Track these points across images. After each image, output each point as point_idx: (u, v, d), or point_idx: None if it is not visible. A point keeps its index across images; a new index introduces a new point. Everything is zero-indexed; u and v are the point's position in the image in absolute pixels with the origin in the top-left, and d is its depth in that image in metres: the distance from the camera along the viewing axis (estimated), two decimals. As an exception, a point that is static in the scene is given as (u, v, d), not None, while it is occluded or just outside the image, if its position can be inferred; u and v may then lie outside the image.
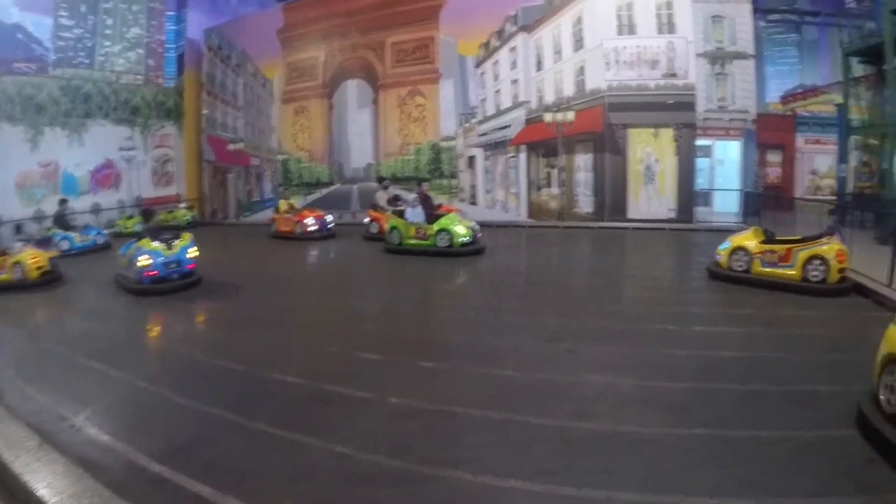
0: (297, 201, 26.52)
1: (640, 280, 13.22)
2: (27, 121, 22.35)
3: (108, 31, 25.14)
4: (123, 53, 25.97)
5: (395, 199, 19.43)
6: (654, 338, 8.32)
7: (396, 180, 24.91)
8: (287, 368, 7.20)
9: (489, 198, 23.38)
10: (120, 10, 26.05)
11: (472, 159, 23.75)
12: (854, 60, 21.09)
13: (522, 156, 22.48)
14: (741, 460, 4.84)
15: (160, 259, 12.41)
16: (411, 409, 6.04)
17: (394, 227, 16.95)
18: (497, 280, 13.19)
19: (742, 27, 20.73)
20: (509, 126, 22.53)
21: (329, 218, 21.11)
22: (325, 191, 26.78)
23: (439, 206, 18.16)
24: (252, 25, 28.10)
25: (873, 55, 19.59)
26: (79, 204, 22.74)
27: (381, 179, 19.46)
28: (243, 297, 12.30)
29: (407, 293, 12.65)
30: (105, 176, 25.19)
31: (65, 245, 17.84)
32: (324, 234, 20.45)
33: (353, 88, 26.50)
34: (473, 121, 23.56)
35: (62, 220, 18.61)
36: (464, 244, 15.73)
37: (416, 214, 16.48)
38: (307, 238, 20.03)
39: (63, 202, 19.48)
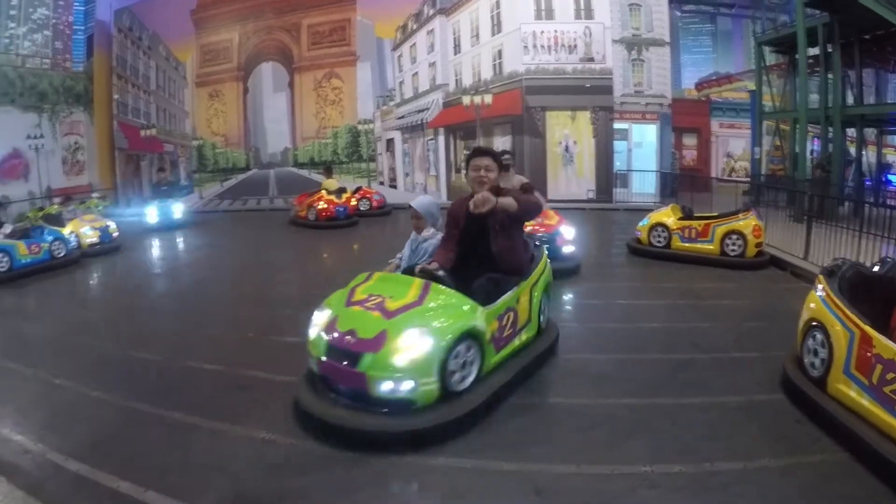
0: (212, 188, 26.20)
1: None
2: None
3: (12, 12, 24.00)
4: (29, 35, 24.86)
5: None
6: (580, 312, 8.33)
7: (314, 164, 24.77)
8: (204, 356, 6.93)
9: (409, 181, 23.27)
10: (25, -10, 25.06)
11: (390, 142, 23.64)
12: (766, 50, 21.64)
13: (441, 138, 22.48)
14: (674, 427, 4.82)
15: None
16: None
17: None
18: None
19: (658, 15, 21.14)
20: (427, 109, 22.49)
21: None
22: (241, 176, 26.23)
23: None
24: (164, 6, 26.96)
25: (785, 45, 20.23)
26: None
27: (503, 153, 12.77)
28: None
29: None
30: (12, 166, 23.90)
31: None
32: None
33: (268, 71, 25.98)
34: (391, 103, 23.45)
35: None
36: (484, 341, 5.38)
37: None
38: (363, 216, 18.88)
39: None
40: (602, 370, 6.15)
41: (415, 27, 22.96)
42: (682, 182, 21.41)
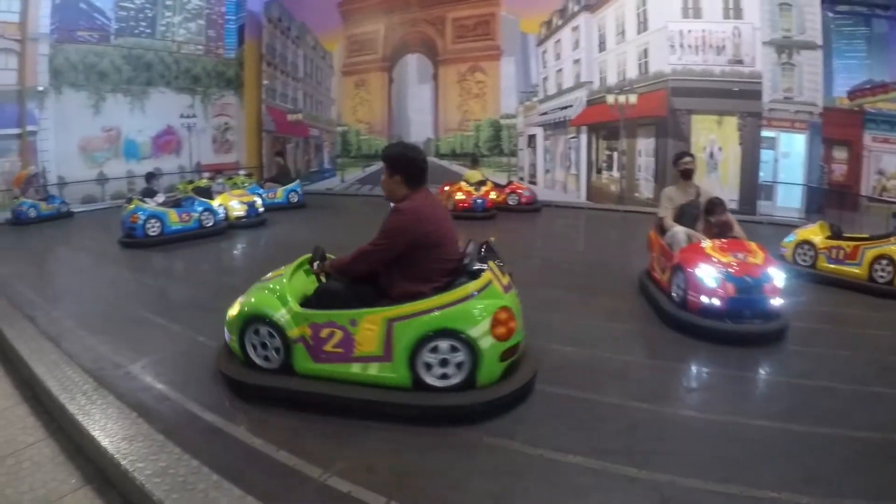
0: (353, 173, 26.90)
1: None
2: (90, 87, 23.09)
3: (168, 2, 25.40)
4: (184, 24, 26.29)
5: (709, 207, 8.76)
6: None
7: (456, 156, 25.12)
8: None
9: (549, 178, 23.14)
10: (180, -18, 26.33)
11: (532, 138, 23.52)
12: (927, 57, 20.58)
13: (583, 137, 22.15)
14: (806, 456, 4.71)
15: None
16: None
17: None
18: (554, 258, 13.08)
19: (810, 16, 20.12)
20: (570, 106, 22.24)
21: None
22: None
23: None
24: (312, -2, 28.27)
25: (947, 52, 19.12)
26: (140, 168, 23.12)
27: (682, 155, 9.77)
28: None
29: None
30: (166, 142, 25.82)
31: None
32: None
33: (413, 63, 26.42)
34: (534, 99, 23.32)
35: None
36: None
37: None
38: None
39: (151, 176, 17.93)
40: (737, 388, 6.09)
41: (560, 23, 22.79)
42: (830, 198, 20.46)
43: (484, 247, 5.89)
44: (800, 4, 19.94)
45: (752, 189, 19.79)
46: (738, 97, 19.68)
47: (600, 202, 21.55)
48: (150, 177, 16.62)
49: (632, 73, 21.01)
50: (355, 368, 5.39)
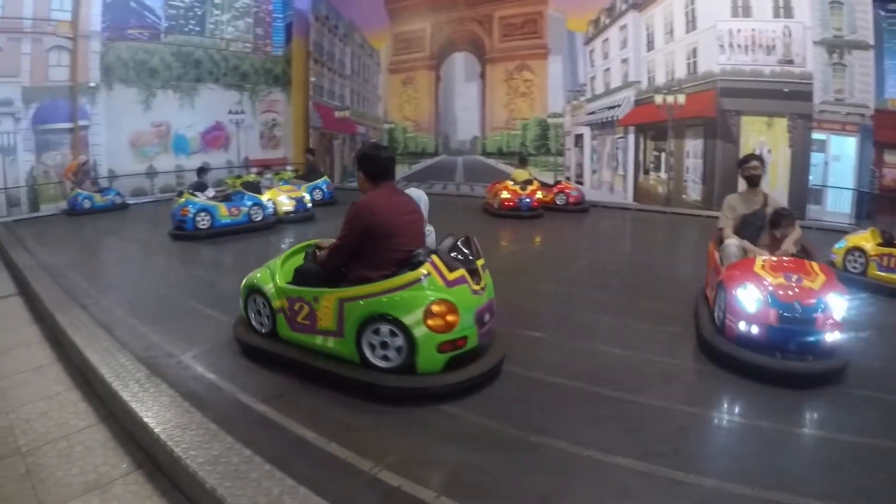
0: (401, 171, 26.95)
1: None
2: (140, 83, 23.65)
3: (217, 1, 25.87)
4: (232, 22, 26.78)
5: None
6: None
7: (502, 154, 25.09)
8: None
9: (595, 178, 22.93)
10: (228, -19, 26.73)
11: (579, 137, 23.32)
12: (982, 57, 20.10)
13: (631, 137, 21.92)
14: (854, 467, 4.63)
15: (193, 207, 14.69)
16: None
17: None
18: (601, 259, 13.01)
19: (861, 15, 19.50)
20: (618, 106, 22.04)
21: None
22: (429, 161, 26.95)
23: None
24: (359, -5, 28.48)
25: None
26: (189, 163, 23.61)
27: (750, 158, 8.62)
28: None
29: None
30: (214, 137, 26.36)
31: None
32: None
33: (460, 61, 26.41)
34: (582, 98, 23.12)
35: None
36: None
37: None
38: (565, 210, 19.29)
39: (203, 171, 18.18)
40: (786, 397, 5.94)
41: (607, 22, 22.63)
42: (881, 204, 19.87)
43: (460, 241, 6.22)
44: (851, 3, 19.31)
45: (802, 193, 19.35)
46: (789, 98, 19.28)
47: (647, 203, 21.32)
48: (201, 171, 17.07)
49: (680, 72, 20.77)
50: (318, 340, 6.09)
